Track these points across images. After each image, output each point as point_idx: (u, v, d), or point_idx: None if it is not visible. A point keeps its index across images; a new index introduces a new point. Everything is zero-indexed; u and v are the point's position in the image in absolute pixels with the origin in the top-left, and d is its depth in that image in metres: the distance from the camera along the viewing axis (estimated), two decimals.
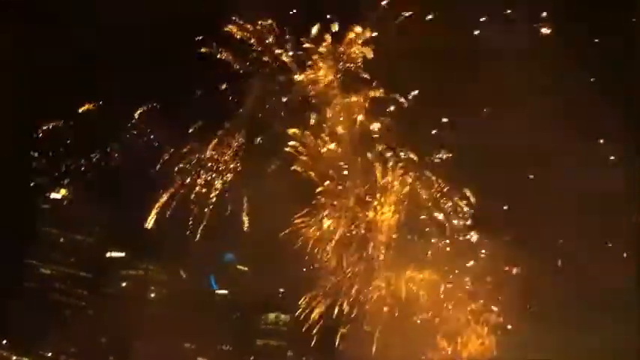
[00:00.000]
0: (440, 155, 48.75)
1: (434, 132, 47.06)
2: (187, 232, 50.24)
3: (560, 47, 43.76)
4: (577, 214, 44.26)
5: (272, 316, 53.23)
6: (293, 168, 50.04)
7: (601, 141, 44.80)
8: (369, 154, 49.60)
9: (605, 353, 43.67)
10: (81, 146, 50.24)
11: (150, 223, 49.20)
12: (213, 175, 50.72)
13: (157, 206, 48.97)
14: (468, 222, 49.41)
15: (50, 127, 49.95)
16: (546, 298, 45.61)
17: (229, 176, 50.97)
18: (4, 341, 47.67)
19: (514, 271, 48.52)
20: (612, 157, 45.34)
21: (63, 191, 51.88)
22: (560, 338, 44.07)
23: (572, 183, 44.34)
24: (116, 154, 49.41)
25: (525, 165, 46.04)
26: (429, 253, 48.59)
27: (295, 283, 49.99)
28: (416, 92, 47.93)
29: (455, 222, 49.36)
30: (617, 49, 44.44)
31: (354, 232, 50.00)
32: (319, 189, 49.58)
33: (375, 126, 49.83)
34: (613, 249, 45.07)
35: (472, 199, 48.94)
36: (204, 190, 50.80)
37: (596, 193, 43.47)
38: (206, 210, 50.64)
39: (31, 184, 50.55)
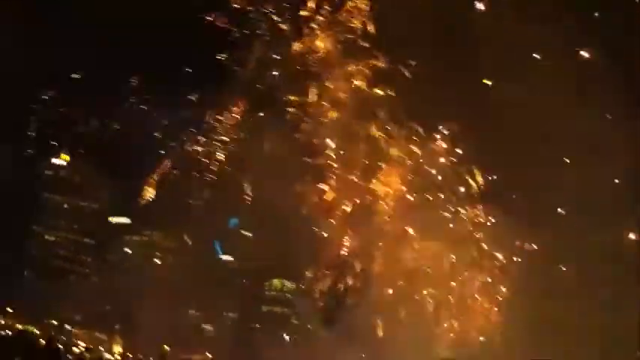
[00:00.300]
0: (445, 127, 48.08)
1: (439, 103, 46.08)
2: (190, 201, 50.57)
3: (569, 18, 42.35)
4: (584, 189, 43.67)
5: (277, 282, 53.18)
6: (296, 135, 49.88)
7: (608, 116, 43.58)
8: (372, 125, 49.22)
9: (617, 328, 43.42)
10: (83, 113, 50.01)
11: (148, 194, 49.24)
12: (215, 142, 50.48)
13: (152, 178, 49.03)
14: (475, 195, 49.20)
15: (49, 95, 49.73)
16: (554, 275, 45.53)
17: (231, 144, 50.76)
18: (9, 309, 48.07)
19: (525, 246, 48.39)
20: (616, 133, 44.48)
21: (65, 157, 51.59)
22: (568, 316, 43.93)
23: (579, 156, 43.67)
24: (118, 122, 49.14)
25: (532, 139, 45.16)
26: (436, 225, 48.45)
27: (300, 249, 49.92)
28: (418, 62, 47.32)
29: (462, 195, 49.15)
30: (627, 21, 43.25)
31: (358, 203, 50.14)
32: (322, 159, 49.35)
33: (378, 94, 49.23)
34: (619, 226, 44.31)
35: (478, 176, 48.51)
36: (206, 158, 50.73)
37: (603, 168, 42.84)
38: (209, 177, 50.66)
39: (33, 151, 50.62)
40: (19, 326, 46.12)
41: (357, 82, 49.60)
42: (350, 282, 49.14)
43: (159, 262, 51.48)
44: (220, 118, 50.36)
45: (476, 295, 48.26)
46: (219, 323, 50.65)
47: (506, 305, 47.76)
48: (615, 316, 43.14)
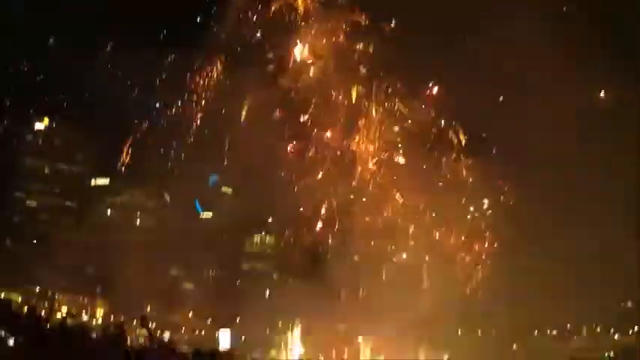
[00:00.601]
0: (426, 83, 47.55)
1: (419, 59, 45.27)
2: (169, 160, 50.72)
3: None
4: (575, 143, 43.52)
5: (257, 238, 53.63)
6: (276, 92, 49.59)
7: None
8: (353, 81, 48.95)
9: (601, 277, 43.55)
10: (60, 77, 49.66)
11: (127, 154, 49.51)
12: (194, 101, 50.46)
13: (131, 139, 49.15)
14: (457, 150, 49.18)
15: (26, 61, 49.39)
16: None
17: (211, 102, 50.67)
18: None
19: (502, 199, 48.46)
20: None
21: (45, 121, 51.58)
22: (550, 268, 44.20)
23: (565, 115, 43.32)
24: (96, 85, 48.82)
25: (513, 95, 44.62)
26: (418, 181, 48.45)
27: (280, 205, 50.13)
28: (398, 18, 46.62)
29: (443, 150, 49.09)
30: None
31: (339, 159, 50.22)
32: (303, 116, 49.26)
33: (358, 50, 48.74)
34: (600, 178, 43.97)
35: (460, 131, 48.32)
36: (185, 117, 50.71)
37: (580, 123, 42.54)
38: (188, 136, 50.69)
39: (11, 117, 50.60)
40: (2, 294, 46.96)
41: (337, 39, 49.26)
42: (330, 237, 49.67)
43: (140, 223, 52.09)
44: (199, 76, 50.32)
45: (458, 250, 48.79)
46: (200, 282, 51.44)
47: (487, 259, 48.22)
48: (600, 266, 43.35)
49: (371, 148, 49.83)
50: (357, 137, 49.60)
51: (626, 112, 43.20)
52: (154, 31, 47.53)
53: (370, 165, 49.80)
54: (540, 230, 46.44)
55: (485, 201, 48.78)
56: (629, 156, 43.96)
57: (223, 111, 50.68)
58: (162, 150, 50.92)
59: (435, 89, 48.57)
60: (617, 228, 43.42)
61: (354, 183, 49.64)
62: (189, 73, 50.00)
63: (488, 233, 48.89)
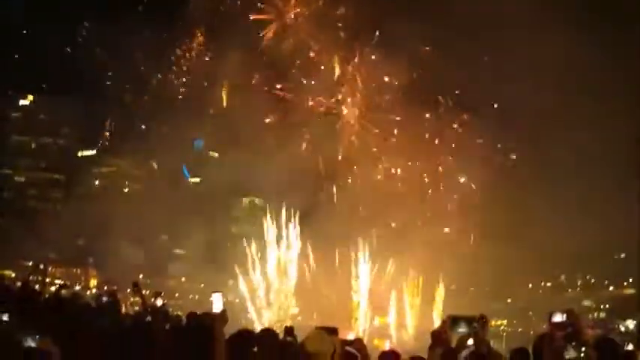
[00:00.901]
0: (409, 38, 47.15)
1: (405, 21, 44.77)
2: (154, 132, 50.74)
3: None
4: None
5: (246, 201, 53.74)
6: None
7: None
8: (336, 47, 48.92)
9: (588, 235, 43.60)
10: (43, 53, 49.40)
11: (110, 128, 49.64)
12: (177, 70, 50.58)
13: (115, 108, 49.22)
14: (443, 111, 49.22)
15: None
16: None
17: (193, 69, 50.75)
18: None
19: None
20: None
21: (29, 97, 51.54)
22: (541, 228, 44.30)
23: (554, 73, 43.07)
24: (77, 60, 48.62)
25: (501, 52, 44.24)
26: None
27: (267, 167, 50.11)
28: None
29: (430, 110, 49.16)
30: None
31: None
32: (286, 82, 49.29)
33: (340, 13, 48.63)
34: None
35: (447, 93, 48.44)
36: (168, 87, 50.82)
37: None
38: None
39: None
40: None
41: (317, 3, 49.19)
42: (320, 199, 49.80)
43: (128, 191, 52.17)
44: (181, 46, 50.36)
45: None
46: (191, 247, 51.44)
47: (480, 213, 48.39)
48: (592, 218, 43.27)
49: (356, 111, 50.05)
50: (342, 100, 49.94)
51: (617, 68, 42.82)
52: (136, 4, 47.64)
53: (356, 127, 50.03)
54: (533, 183, 46.54)
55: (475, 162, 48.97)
56: (621, 109, 43.88)
57: (206, 80, 50.92)
58: (147, 118, 51.27)
59: (423, 49, 48.58)
60: (609, 180, 43.37)
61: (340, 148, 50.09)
62: (171, 44, 50.25)
63: (478, 192, 49.18)
